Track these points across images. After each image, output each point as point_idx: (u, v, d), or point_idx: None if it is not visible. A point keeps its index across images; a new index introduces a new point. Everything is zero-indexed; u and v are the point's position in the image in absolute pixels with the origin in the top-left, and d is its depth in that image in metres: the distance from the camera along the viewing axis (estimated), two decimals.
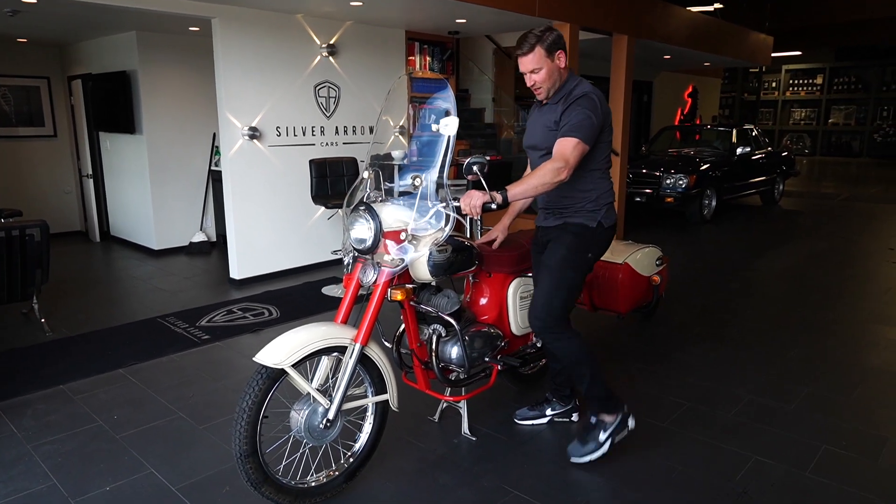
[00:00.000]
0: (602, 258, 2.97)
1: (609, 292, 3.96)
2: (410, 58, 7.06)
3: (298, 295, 5.41)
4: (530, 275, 3.16)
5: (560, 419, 3.15)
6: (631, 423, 2.82)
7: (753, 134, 10.00)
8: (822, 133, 20.28)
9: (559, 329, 2.66)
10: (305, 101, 6.04)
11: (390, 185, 2.66)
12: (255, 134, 5.64)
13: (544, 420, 3.16)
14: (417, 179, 2.42)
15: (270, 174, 5.85)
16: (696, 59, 11.18)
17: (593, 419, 2.81)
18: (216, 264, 6.52)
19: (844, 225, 8.70)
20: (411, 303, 2.71)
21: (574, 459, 2.78)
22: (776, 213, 9.78)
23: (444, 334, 2.80)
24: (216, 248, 7.20)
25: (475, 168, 2.43)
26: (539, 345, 3.26)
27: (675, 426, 3.13)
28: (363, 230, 2.43)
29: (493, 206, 2.42)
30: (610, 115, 2.69)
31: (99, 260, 6.91)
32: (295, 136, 5.99)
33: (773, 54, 12.59)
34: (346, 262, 2.56)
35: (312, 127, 6.12)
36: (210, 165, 7.15)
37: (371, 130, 6.53)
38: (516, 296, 3.06)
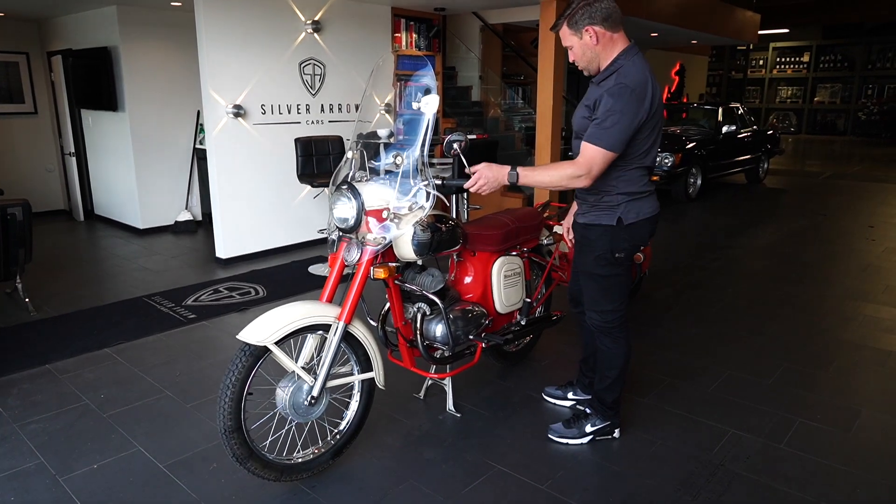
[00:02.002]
0: None
1: None
2: (396, 35, 6.99)
3: (285, 274, 5.41)
4: (515, 253, 3.19)
5: (581, 407, 3.08)
6: (616, 433, 2.86)
7: (739, 112, 10.04)
8: (807, 111, 20.37)
9: (614, 331, 2.69)
10: (290, 78, 5.98)
11: (376, 163, 2.66)
12: (239, 112, 5.59)
13: (566, 403, 3.17)
14: (399, 158, 2.43)
15: (256, 153, 5.81)
16: (683, 37, 11.16)
17: (588, 410, 2.86)
18: (202, 243, 6.49)
19: (826, 203, 8.79)
20: (396, 281, 2.73)
21: (552, 436, 2.84)
22: (760, 192, 9.85)
23: (428, 313, 2.83)
24: (202, 227, 7.16)
25: (455, 145, 2.43)
26: (523, 322, 3.30)
27: (655, 401, 3.19)
28: (345, 209, 2.43)
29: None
30: (657, 104, 2.37)
31: (83, 239, 6.85)
32: (280, 114, 5.94)
33: (760, 32, 12.60)
34: (330, 241, 2.57)
35: (298, 105, 6.07)
36: (195, 143, 7.08)
37: (357, 108, 6.49)
38: (500, 274, 3.08)
